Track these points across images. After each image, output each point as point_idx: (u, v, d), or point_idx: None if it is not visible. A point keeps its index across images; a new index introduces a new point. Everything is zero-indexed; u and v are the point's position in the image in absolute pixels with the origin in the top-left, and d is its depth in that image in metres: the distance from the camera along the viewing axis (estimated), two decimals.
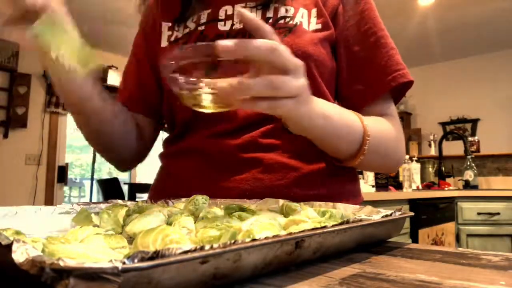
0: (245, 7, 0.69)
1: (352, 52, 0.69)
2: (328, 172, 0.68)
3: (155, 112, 0.80)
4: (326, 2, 0.70)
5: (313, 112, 0.50)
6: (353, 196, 0.72)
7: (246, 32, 0.67)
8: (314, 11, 0.69)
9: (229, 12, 0.70)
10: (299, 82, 0.43)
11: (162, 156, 0.77)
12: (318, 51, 0.66)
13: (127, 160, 0.80)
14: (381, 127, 0.66)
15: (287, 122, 0.51)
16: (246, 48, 0.39)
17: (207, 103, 0.44)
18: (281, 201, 0.53)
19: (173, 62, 0.43)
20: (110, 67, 4.26)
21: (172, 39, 0.73)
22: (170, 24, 0.75)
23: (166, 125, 0.81)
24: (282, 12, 0.67)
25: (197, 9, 0.73)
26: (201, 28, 0.70)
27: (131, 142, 0.77)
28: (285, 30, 0.66)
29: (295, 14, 0.67)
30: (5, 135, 3.70)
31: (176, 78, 0.43)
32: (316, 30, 0.67)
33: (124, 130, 0.75)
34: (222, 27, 0.69)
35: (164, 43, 0.74)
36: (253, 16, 0.42)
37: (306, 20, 0.67)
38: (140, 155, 0.81)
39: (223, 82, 0.39)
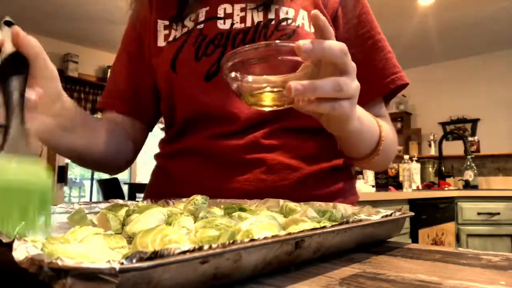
0: (245, 8, 0.69)
1: (350, 54, 0.70)
2: (328, 171, 0.68)
3: (146, 113, 0.79)
4: (327, 4, 0.70)
5: (356, 114, 0.51)
6: (351, 194, 0.73)
7: (247, 31, 0.67)
8: None
9: (228, 11, 0.69)
10: (356, 83, 0.45)
11: (159, 156, 0.77)
12: None
13: (121, 168, 0.80)
14: (387, 128, 0.68)
15: (329, 122, 0.51)
16: (323, 49, 0.41)
17: (268, 101, 0.45)
18: (281, 201, 0.53)
19: (231, 62, 0.44)
20: (110, 67, 4.26)
21: (171, 38, 0.71)
22: (166, 22, 0.73)
23: (164, 125, 0.80)
24: (283, 14, 0.67)
25: (194, 7, 0.71)
26: (200, 26, 0.69)
27: (125, 155, 0.77)
28: (289, 32, 0.66)
29: (296, 16, 0.68)
30: None
31: (238, 77, 0.44)
32: None
33: (117, 151, 0.74)
34: (222, 25, 0.68)
35: (161, 43, 0.73)
36: (324, 18, 0.43)
37: (307, 22, 0.68)
38: (132, 160, 0.82)
39: (293, 82, 0.40)
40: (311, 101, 0.43)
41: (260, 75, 0.44)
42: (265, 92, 0.44)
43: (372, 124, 0.61)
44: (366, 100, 0.69)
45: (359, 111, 0.55)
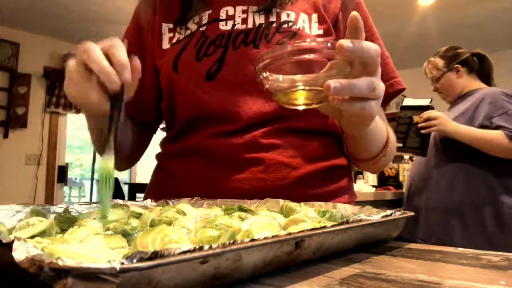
0: (246, 10, 0.70)
1: None
2: (327, 170, 0.69)
3: (147, 115, 0.79)
4: (328, 9, 0.72)
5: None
6: (349, 193, 0.74)
7: (249, 32, 0.68)
8: (314, 17, 0.70)
9: (230, 13, 0.70)
10: (383, 85, 0.46)
11: (161, 155, 0.77)
12: None
13: (126, 167, 0.83)
14: (391, 130, 0.70)
15: (350, 122, 0.51)
16: (362, 48, 0.42)
17: (301, 100, 0.46)
18: (281, 201, 0.53)
19: (263, 63, 0.45)
20: None
21: (174, 40, 0.72)
22: (171, 25, 0.74)
23: (164, 125, 0.81)
24: (284, 17, 0.69)
25: (198, 10, 0.72)
26: (203, 28, 0.70)
27: (136, 154, 0.81)
28: (290, 34, 0.67)
29: (297, 19, 0.69)
30: (5, 135, 3.70)
31: (269, 77, 0.46)
32: (318, 35, 0.69)
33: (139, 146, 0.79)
34: (224, 26, 0.69)
35: (165, 45, 0.73)
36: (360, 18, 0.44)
37: (307, 25, 0.69)
38: (138, 159, 0.85)
39: (332, 80, 0.41)
40: (344, 100, 0.44)
41: (291, 74, 0.45)
42: (298, 91, 0.45)
43: (381, 125, 0.64)
44: None
45: None
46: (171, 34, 0.74)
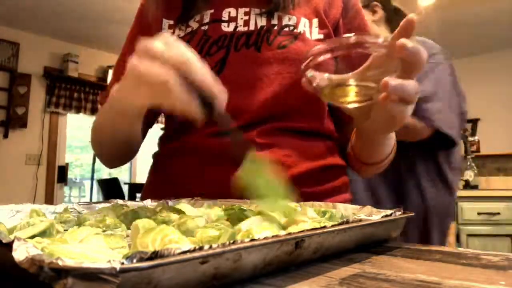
0: (249, 12, 0.70)
1: None
2: (323, 169, 0.69)
3: (149, 113, 0.79)
4: (329, 14, 0.72)
5: None
6: (345, 191, 0.74)
7: (250, 34, 0.68)
8: (315, 21, 0.71)
9: (233, 14, 0.71)
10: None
11: (157, 155, 0.77)
12: None
13: (123, 163, 0.81)
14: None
15: (379, 124, 0.51)
16: (418, 50, 0.42)
17: (351, 97, 0.46)
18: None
19: (307, 61, 0.45)
20: (110, 67, 4.26)
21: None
22: (171, 22, 0.74)
23: (164, 125, 0.81)
24: (285, 20, 0.69)
25: (200, 8, 0.73)
26: (204, 28, 0.70)
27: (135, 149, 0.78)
28: (291, 37, 0.68)
29: (298, 23, 0.69)
30: (5, 135, 3.70)
31: (316, 75, 0.45)
32: (318, 40, 0.69)
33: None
34: (226, 28, 0.70)
35: None
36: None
37: (308, 29, 0.70)
38: (134, 154, 0.81)
39: (391, 79, 0.41)
40: (393, 101, 0.44)
41: (335, 71, 0.45)
42: (347, 88, 0.46)
43: None
44: None
45: None
46: (171, 31, 0.74)
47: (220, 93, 0.44)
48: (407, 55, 0.42)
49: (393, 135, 0.65)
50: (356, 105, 0.47)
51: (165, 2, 0.77)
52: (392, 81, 0.41)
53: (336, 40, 0.44)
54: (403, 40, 0.41)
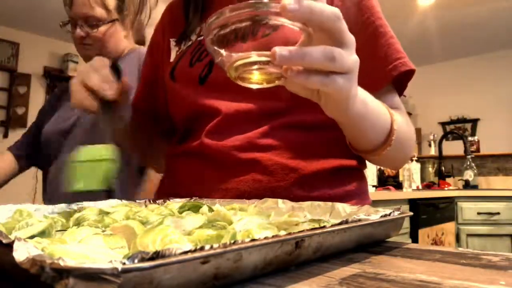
0: None
1: None
2: (332, 172, 0.65)
3: (164, 122, 0.84)
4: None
5: (356, 95, 0.46)
6: (359, 197, 0.68)
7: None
8: None
9: None
10: (354, 57, 0.40)
11: (166, 157, 0.79)
12: None
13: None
14: (401, 118, 0.63)
15: (327, 102, 0.45)
16: (311, 9, 0.35)
17: (255, 75, 0.41)
18: (280, 201, 0.53)
19: (211, 34, 0.39)
20: None
21: (178, 53, 0.77)
22: (176, 39, 0.80)
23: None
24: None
25: (196, 23, 0.77)
26: (200, 38, 0.73)
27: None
28: (273, 26, 0.66)
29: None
30: (5, 135, 3.70)
31: (220, 50, 0.40)
32: None
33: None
34: None
35: (172, 58, 0.79)
36: None
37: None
38: None
39: (278, 47, 0.35)
40: (300, 73, 0.37)
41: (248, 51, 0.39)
42: (251, 66, 0.40)
43: (381, 110, 0.57)
44: (371, 90, 0.60)
45: (364, 94, 0.51)
46: (177, 48, 0.79)
47: (109, 92, 0.66)
48: (292, 17, 0.35)
49: (378, 118, 0.56)
50: (262, 85, 0.42)
51: (171, 23, 0.83)
52: (279, 49, 0.35)
53: (228, 9, 0.37)
54: (284, 1, 0.35)
